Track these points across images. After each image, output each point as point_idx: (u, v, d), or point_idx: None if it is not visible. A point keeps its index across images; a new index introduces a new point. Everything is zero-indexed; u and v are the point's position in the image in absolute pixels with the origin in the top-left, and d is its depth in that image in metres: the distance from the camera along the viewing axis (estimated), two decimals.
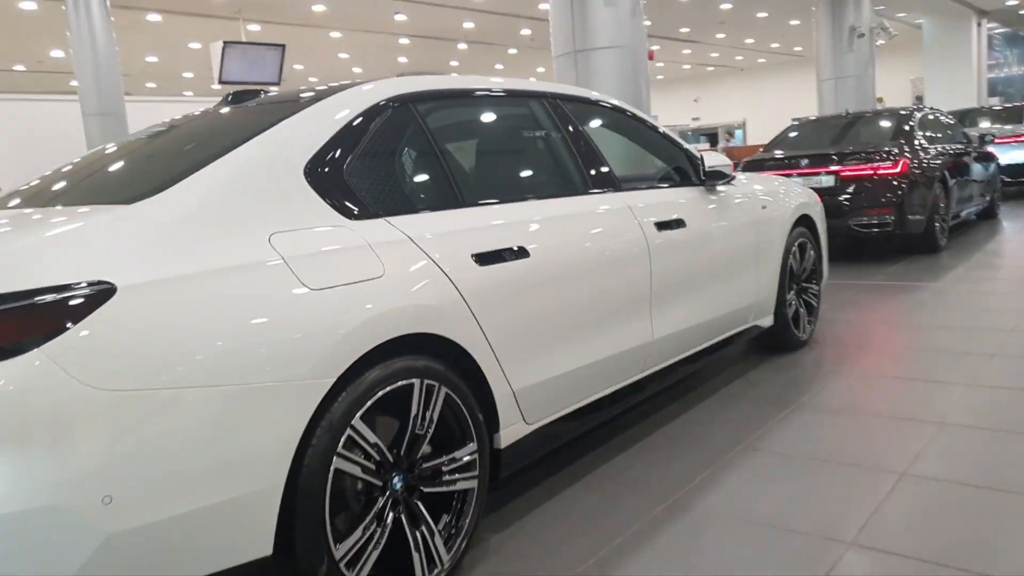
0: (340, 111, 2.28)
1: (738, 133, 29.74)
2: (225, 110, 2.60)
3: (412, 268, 2.11)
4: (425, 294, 2.10)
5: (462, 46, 20.30)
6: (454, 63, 22.95)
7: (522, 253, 2.46)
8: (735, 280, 3.71)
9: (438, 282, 2.15)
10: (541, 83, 3.18)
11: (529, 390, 2.47)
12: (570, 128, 3.06)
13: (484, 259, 2.32)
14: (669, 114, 26.91)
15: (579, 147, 3.04)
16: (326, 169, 2.12)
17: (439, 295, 2.14)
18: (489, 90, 2.89)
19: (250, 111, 2.47)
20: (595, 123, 3.40)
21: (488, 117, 3.02)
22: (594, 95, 3.47)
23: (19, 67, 18.10)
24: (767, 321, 4.11)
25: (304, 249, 1.91)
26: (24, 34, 15.15)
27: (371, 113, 2.33)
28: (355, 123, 2.27)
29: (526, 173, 3.04)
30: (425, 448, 2.12)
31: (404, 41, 19.07)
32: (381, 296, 1.98)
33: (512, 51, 21.43)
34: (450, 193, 2.43)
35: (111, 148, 2.64)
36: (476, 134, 3.02)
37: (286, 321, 1.77)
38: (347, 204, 2.11)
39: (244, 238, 1.83)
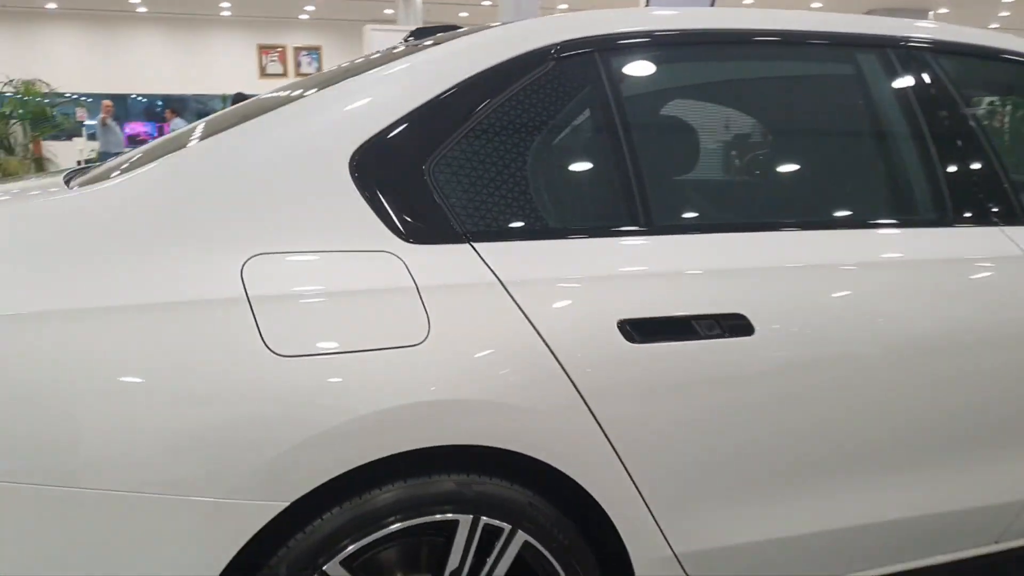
0: (456, 64, 1.47)
1: None
2: (397, 49, 1.79)
3: (483, 334, 1.31)
4: (493, 383, 1.29)
5: None
6: None
7: (736, 326, 1.45)
8: None
9: (532, 363, 1.32)
10: (878, 21, 1.85)
11: (714, 556, 1.53)
12: (937, 108, 1.77)
13: (645, 330, 1.39)
14: None
15: (947, 142, 1.76)
16: (391, 160, 1.36)
17: (526, 387, 1.31)
18: (764, 33, 1.71)
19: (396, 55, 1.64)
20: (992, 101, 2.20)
21: (749, 80, 1.83)
22: (996, 42, 1.96)
23: None
24: None
25: (291, 286, 1.24)
26: None
27: (512, 69, 1.47)
28: (472, 86, 1.44)
29: (808, 181, 1.83)
30: None
31: None
32: (401, 378, 1.24)
33: None
34: (624, 210, 1.50)
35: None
36: (714, 111, 1.84)
37: (216, 399, 1.15)
38: (411, 217, 1.34)
39: (197, 260, 1.22)
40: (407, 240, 1.33)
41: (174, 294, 1.18)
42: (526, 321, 1.33)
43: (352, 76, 1.52)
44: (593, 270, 1.41)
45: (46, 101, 11.69)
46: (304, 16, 18.20)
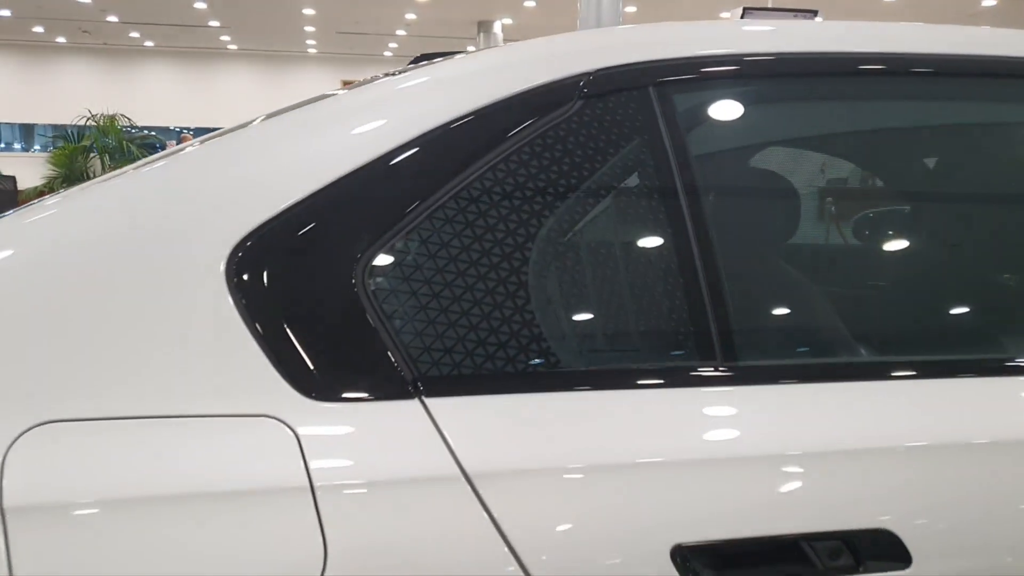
0: (420, 107, 0.91)
1: None
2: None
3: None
4: None
5: None
6: None
7: (882, 551, 0.84)
8: None
9: None
10: None
11: None
12: None
13: (722, 562, 0.81)
14: None
15: None
16: (298, 259, 0.83)
17: None
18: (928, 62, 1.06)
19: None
20: None
21: (905, 138, 1.20)
22: None
23: None
24: None
25: (81, 487, 0.72)
26: None
27: (510, 114, 0.91)
28: (444, 141, 0.89)
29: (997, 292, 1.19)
30: None
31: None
32: None
33: None
34: (692, 344, 0.92)
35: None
36: (844, 183, 1.27)
37: None
38: (324, 354, 0.80)
39: None
40: (310, 395, 0.78)
41: None
42: (509, 552, 0.76)
43: (263, 122, 0.99)
44: (639, 447, 0.82)
45: (129, 133, 11.89)
46: (388, 53, 18.31)
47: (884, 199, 1.25)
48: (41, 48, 17.68)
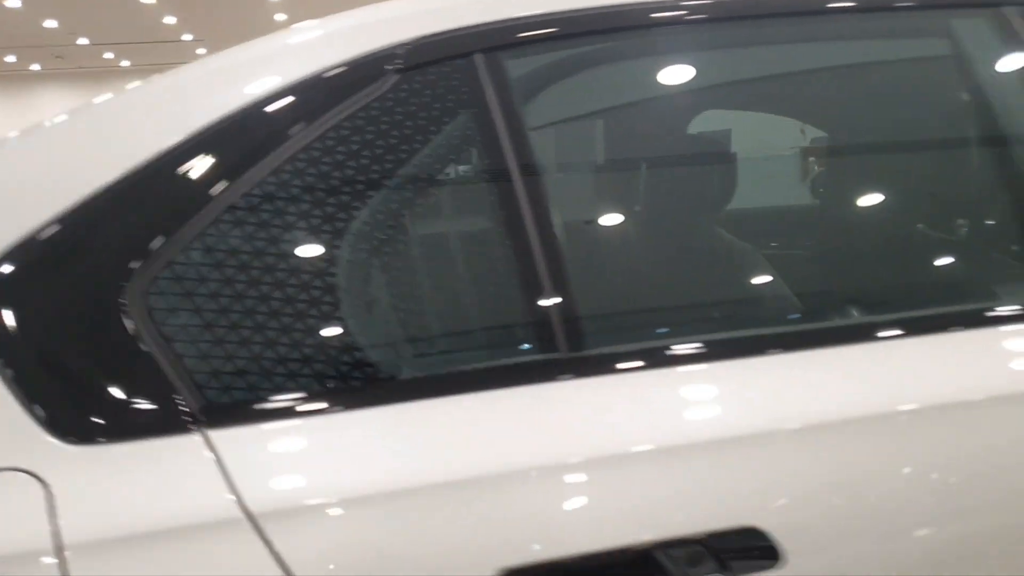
0: (201, 98, 0.81)
1: None
2: None
3: None
4: None
5: None
6: None
7: (751, 551, 0.74)
8: None
9: None
10: None
11: None
12: None
13: None
14: None
15: None
16: (54, 277, 0.72)
17: None
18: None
19: None
20: None
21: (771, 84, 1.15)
22: None
23: None
24: None
25: None
26: None
27: (309, 98, 0.80)
28: (230, 134, 0.78)
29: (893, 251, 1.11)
30: None
31: None
32: None
33: None
34: (526, 334, 0.83)
35: None
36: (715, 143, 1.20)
37: None
38: (87, 390, 0.70)
39: None
40: (68, 438, 0.68)
41: None
42: None
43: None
44: (465, 463, 0.72)
45: None
46: None
47: (740, 158, 1.14)
48: (17, 77, 17.60)
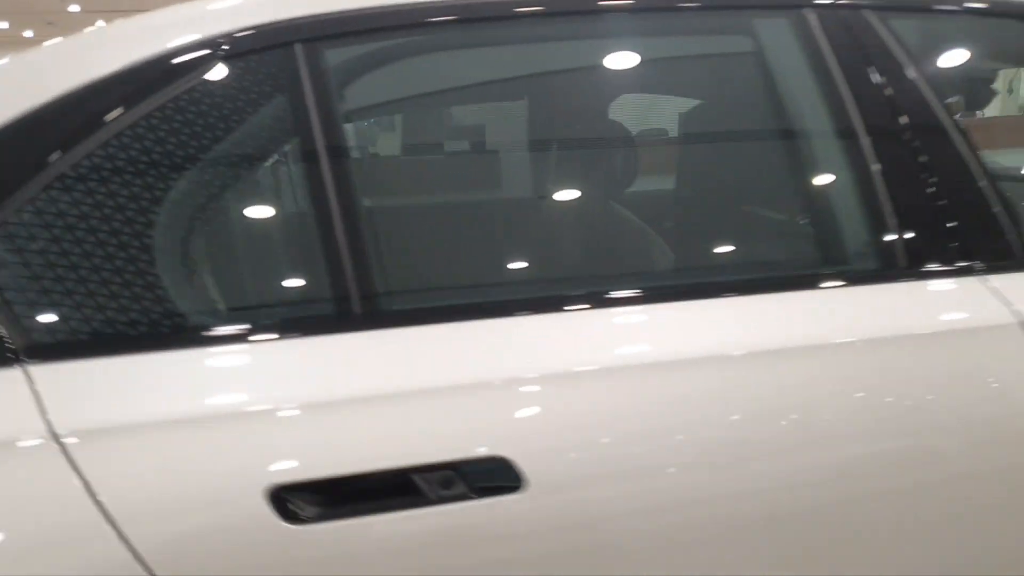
0: (37, 80, 0.92)
1: None
2: None
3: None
4: None
5: None
6: None
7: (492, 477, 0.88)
8: None
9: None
10: None
11: None
12: (887, 100, 1.12)
13: (320, 500, 0.84)
14: None
15: (902, 150, 1.10)
16: None
17: None
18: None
19: None
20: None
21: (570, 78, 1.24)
22: None
23: None
24: None
25: None
26: None
27: (130, 83, 0.92)
28: (58, 113, 0.90)
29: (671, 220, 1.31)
30: None
31: None
32: None
33: None
34: (322, 291, 0.96)
35: None
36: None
37: None
38: None
39: None
40: None
41: None
42: (102, 517, 0.79)
43: None
44: (254, 397, 0.86)
45: None
46: None
47: (543, 143, 1.26)
48: (9, 43, 17.56)
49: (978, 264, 1.08)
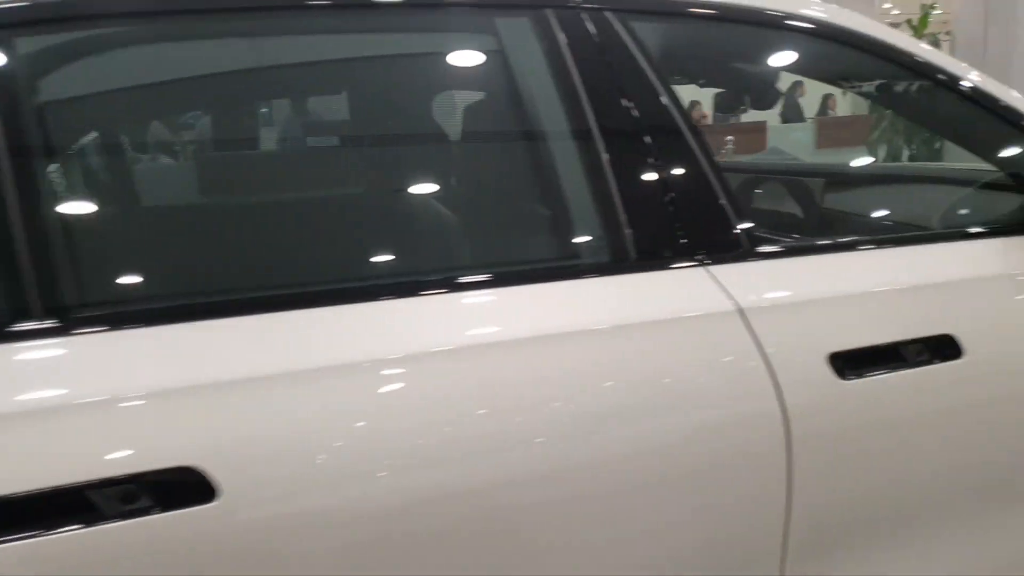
0: None
1: None
2: None
3: None
4: None
5: None
6: None
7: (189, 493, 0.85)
8: None
9: None
10: None
11: None
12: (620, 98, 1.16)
13: None
14: None
15: (630, 142, 1.15)
16: None
17: None
18: None
19: None
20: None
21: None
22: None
23: None
24: None
25: None
26: None
27: None
28: None
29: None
30: None
31: None
32: None
33: None
34: None
35: None
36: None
37: None
38: None
39: None
40: None
41: None
42: None
43: None
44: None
45: None
46: None
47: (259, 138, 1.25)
48: None
49: (703, 256, 1.13)
